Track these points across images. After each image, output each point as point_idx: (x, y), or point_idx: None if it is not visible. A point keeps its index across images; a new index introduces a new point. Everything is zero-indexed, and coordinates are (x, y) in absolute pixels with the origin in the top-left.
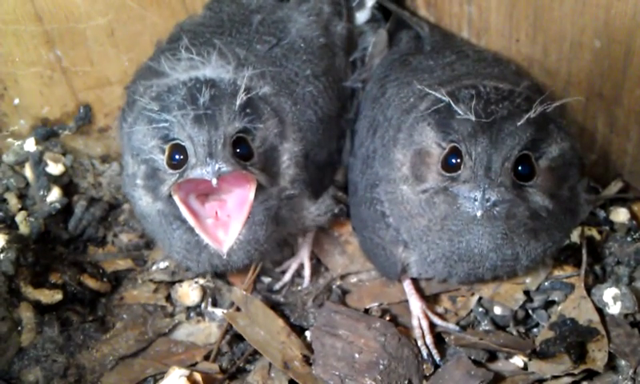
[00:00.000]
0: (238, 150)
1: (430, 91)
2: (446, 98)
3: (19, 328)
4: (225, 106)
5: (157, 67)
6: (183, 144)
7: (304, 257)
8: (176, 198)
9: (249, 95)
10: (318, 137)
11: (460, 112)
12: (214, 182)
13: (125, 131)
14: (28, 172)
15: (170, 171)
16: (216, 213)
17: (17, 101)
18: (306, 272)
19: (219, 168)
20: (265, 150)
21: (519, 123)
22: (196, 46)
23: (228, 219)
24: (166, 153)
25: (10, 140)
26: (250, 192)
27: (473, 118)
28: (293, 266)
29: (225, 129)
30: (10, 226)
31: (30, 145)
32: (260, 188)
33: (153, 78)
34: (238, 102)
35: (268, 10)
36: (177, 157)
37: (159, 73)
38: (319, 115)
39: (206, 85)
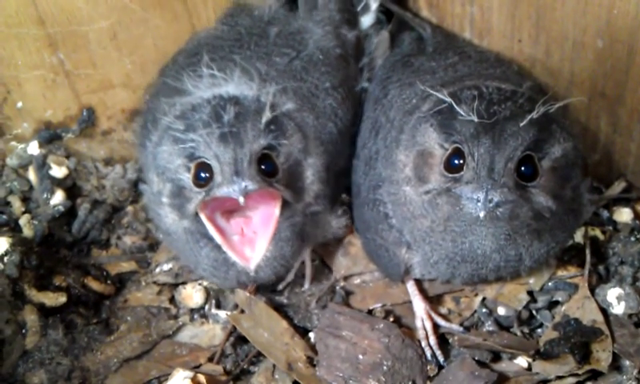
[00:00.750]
0: (263, 167)
1: (432, 92)
2: (448, 99)
3: (23, 331)
4: (249, 124)
5: (179, 85)
6: (209, 162)
7: (305, 257)
8: (202, 216)
9: (274, 113)
10: (338, 148)
11: (462, 113)
12: (242, 200)
13: (149, 150)
14: (31, 175)
15: (196, 189)
16: (242, 229)
17: (20, 104)
18: (307, 272)
19: (246, 186)
20: (289, 165)
21: (522, 124)
22: (216, 61)
23: (254, 236)
24: (192, 171)
25: (13, 143)
26: (275, 208)
27: (475, 119)
28: (295, 266)
29: (250, 146)
30: (14, 229)
31: (34, 148)
32: (285, 204)
33: (175, 96)
34: (264, 120)
35: (283, 21)
36: (202, 175)
37: (181, 90)
38: (339, 127)
39: (230, 102)
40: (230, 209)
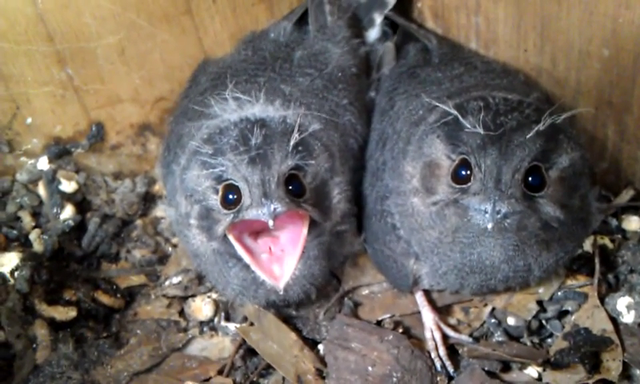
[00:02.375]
0: (290, 188)
1: (438, 104)
2: (454, 112)
3: (34, 345)
4: (276, 145)
5: (204, 108)
6: (237, 184)
7: None
8: (230, 237)
9: (302, 134)
10: (358, 163)
11: (468, 125)
12: (271, 223)
13: (177, 173)
14: (41, 190)
15: (225, 211)
16: (269, 248)
17: (29, 120)
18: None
19: (275, 209)
20: (316, 185)
21: (529, 135)
22: (241, 84)
23: (282, 254)
24: (220, 193)
25: (23, 159)
26: (303, 228)
27: (481, 131)
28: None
29: (278, 168)
30: (24, 243)
31: (43, 163)
32: (313, 224)
33: (201, 119)
34: (292, 141)
35: (305, 44)
36: (230, 197)
37: (207, 114)
38: (359, 142)
39: (257, 125)
40: (259, 229)
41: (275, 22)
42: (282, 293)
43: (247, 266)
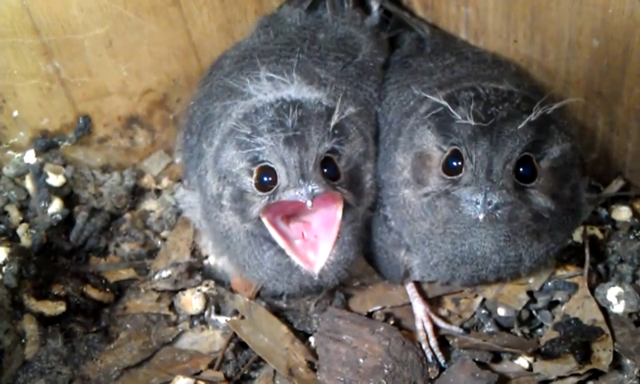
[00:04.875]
0: (325, 170)
1: (429, 96)
2: (444, 103)
3: (23, 341)
4: (313, 127)
5: (237, 86)
6: (272, 166)
7: None
8: (265, 220)
9: (341, 117)
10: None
11: (459, 117)
12: (309, 204)
13: (209, 154)
14: (29, 184)
15: (259, 193)
16: (302, 234)
17: (16, 113)
18: None
19: (313, 189)
20: (350, 169)
21: (520, 126)
22: (272, 65)
23: (316, 240)
24: (255, 175)
25: (10, 152)
26: (337, 211)
27: (472, 122)
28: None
29: (315, 150)
30: (12, 238)
31: (30, 157)
32: (347, 207)
33: (235, 98)
34: (333, 123)
35: (326, 27)
36: (265, 179)
37: (240, 93)
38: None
39: (293, 106)
40: (290, 213)
41: (285, 8)
42: (316, 278)
43: (282, 251)
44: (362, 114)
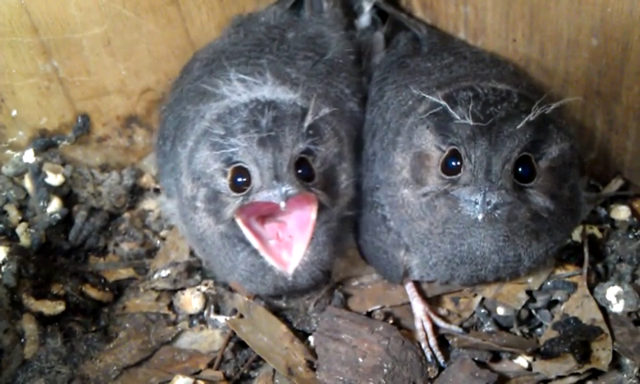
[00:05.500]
0: (299, 171)
1: (427, 96)
2: (443, 103)
3: (22, 340)
4: (287, 128)
5: (209, 88)
6: (246, 167)
7: None
8: (239, 221)
9: (314, 117)
10: (357, 152)
11: (457, 116)
12: (283, 205)
13: (182, 156)
14: (27, 183)
15: (233, 194)
16: (277, 234)
17: (15, 112)
18: None
19: (286, 191)
20: (325, 170)
21: (519, 125)
22: (241, 66)
23: (290, 240)
24: (229, 176)
25: (8, 152)
26: (311, 213)
27: (471, 122)
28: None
29: (290, 151)
30: (11, 237)
31: (29, 156)
32: (321, 209)
33: (208, 101)
34: (306, 124)
35: (296, 26)
36: (239, 179)
37: (213, 95)
38: (359, 131)
39: (268, 106)
40: (265, 214)
41: (265, 8)
42: (290, 279)
43: (255, 252)
44: (336, 113)
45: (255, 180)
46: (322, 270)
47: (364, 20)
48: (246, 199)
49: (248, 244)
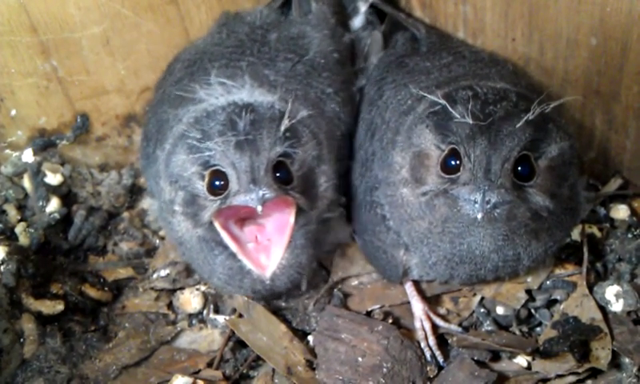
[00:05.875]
0: (277, 175)
1: (426, 95)
2: (443, 102)
3: (21, 340)
4: (265, 131)
5: (187, 92)
6: (224, 170)
7: None
8: (217, 224)
9: (291, 120)
10: (342, 152)
11: (457, 115)
12: (259, 209)
13: (161, 159)
14: (26, 183)
15: (211, 198)
16: (256, 237)
17: (14, 112)
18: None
19: (263, 194)
20: (303, 173)
21: (518, 124)
22: (222, 69)
23: (269, 243)
24: (206, 179)
25: (7, 151)
26: (290, 216)
27: (470, 120)
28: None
29: (267, 154)
30: (10, 237)
31: (28, 156)
32: (300, 212)
33: (186, 104)
34: (283, 127)
35: (280, 27)
36: (217, 183)
37: (191, 98)
38: (342, 131)
39: (245, 110)
40: (244, 217)
41: (253, 8)
42: (268, 282)
43: (233, 255)
44: (315, 115)
45: (232, 183)
46: (301, 273)
47: (358, 21)
48: (223, 203)
49: (226, 247)
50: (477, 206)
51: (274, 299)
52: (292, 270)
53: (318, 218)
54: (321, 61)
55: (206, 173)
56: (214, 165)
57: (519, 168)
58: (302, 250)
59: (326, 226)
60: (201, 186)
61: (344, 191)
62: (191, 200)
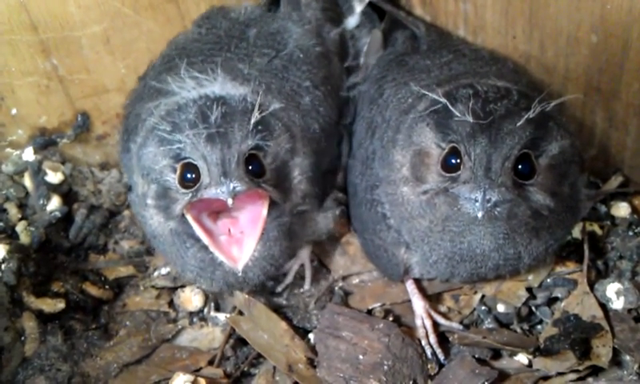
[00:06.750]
0: (250, 168)
1: (427, 93)
2: (443, 100)
3: (22, 338)
4: (237, 124)
5: (162, 86)
6: (195, 163)
7: (305, 258)
8: (189, 217)
9: (262, 113)
10: (322, 146)
11: (457, 114)
12: (230, 202)
13: (133, 152)
14: (27, 181)
15: (182, 190)
16: (229, 230)
17: (14, 111)
18: (307, 274)
19: (234, 187)
20: (276, 166)
21: (519, 123)
22: (196, 64)
23: (241, 236)
24: (178, 172)
25: (8, 150)
26: (262, 209)
27: (471, 119)
28: (294, 268)
29: (238, 147)
30: (11, 235)
31: (29, 154)
32: (273, 204)
33: (160, 98)
34: (253, 120)
35: (261, 22)
36: (189, 176)
37: (165, 92)
38: (321, 124)
39: (217, 102)
40: (217, 209)
41: (241, 3)
42: (240, 274)
43: (205, 247)
44: (289, 108)
45: (204, 176)
46: (274, 265)
47: (353, 20)
48: (194, 196)
49: (198, 240)
50: (477, 204)
51: (275, 295)
52: (265, 262)
53: (292, 211)
54: (300, 55)
55: (178, 165)
56: (185, 157)
57: (520, 166)
58: (274, 242)
59: (301, 218)
60: (172, 179)
61: (342, 187)
62: (163, 193)
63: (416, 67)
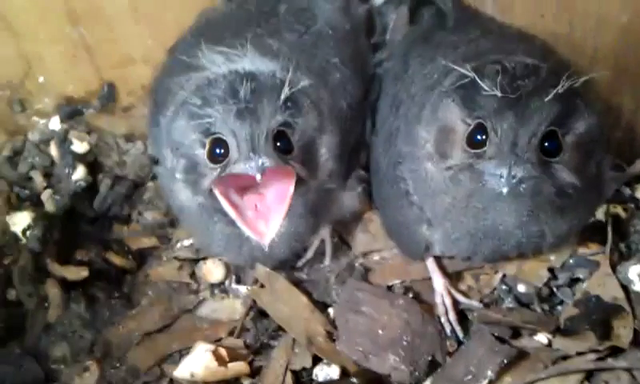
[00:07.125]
0: (278, 144)
1: (455, 67)
2: (472, 74)
3: (46, 304)
4: (266, 100)
5: (192, 61)
6: (224, 138)
7: (325, 234)
8: (217, 192)
9: (292, 89)
10: (349, 124)
11: (486, 88)
12: (259, 177)
13: (163, 125)
14: (53, 150)
15: (211, 165)
16: (255, 206)
17: (41, 79)
18: (327, 249)
19: (263, 163)
20: (304, 143)
21: (546, 99)
22: (227, 39)
23: (268, 212)
24: (207, 147)
25: (35, 118)
26: (290, 186)
27: (499, 93)
28: (315, 243)
29: (267, 123)
30: (37, 203)
31: (55, 123)
32: (300, 181)
33: (190, 72)
34: (283, 96)
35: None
36: (218, 151)
37: (195, 66)
38: (349, 102)
39: (247, 78)
40: (244, 185)
41: None
42: (266, 249)
43: (232, 222)
44: (318, 84)
45: (233, 152)
46: (299, 242)
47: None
48: (223, 171)
49: (225, 215)
50: (502, 180)
51: (295, 269)
52: (291, 239)
53: (319, 188)
54: (329, 31)
55: (207, 140)
56: (215, 133)
57: (546, 143)
58: (300, 219)
59: (328, 195)
60: (201, 154)
61: (363, 165)
62: (192, 167)
63: (442, 43)
